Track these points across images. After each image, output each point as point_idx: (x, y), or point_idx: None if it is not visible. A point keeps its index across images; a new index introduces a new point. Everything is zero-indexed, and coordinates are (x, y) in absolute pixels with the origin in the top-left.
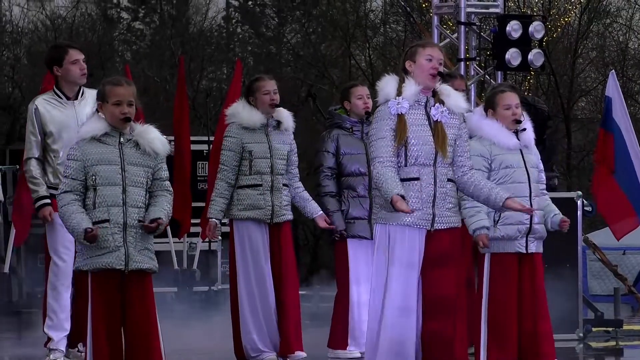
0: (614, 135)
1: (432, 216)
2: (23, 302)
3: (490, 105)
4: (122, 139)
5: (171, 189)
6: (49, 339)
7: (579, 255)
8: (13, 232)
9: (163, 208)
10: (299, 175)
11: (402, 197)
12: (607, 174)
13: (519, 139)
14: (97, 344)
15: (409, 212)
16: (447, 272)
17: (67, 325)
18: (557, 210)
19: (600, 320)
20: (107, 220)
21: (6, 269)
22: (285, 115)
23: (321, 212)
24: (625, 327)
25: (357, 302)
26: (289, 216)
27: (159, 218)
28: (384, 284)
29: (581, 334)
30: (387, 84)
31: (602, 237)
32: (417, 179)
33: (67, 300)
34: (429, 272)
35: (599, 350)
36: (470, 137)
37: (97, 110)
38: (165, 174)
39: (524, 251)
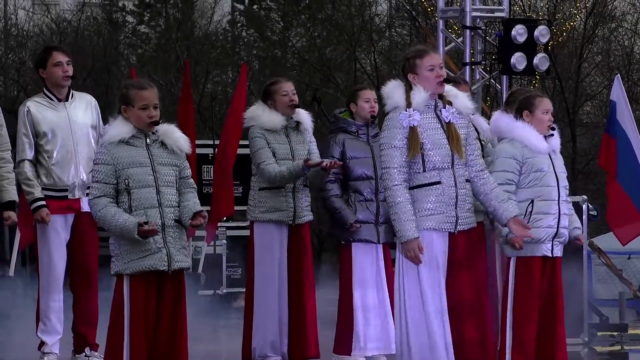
0: (617, 140)
1: (455, 218)
2: (28, 306)
3: (527, 107)
4: (148, 140)
5: (195, 185)
6: (43, 343)
7: (584, 260)
8: (18, 235)
9: (196, 202)
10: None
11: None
12: (611, 179)
13: (547, 143)
14: (136, 346)
15: (418, 263)
16: (472, 274)
17: (60, 329)
18: (578, 224)
19: (605, 324)
20: (146, 223)
21: (11, 273)
22: (304, 116)
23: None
24: (630, 331)
25: (360, 306)
26: (310, 217)
27: (202, 211)
28: (416, 289)
29: (586, 338)
30: (394, 91)
31: (607, 241)
32: (438, 182)
33: (60, 303)
34: (456, 275)
35: (604, 354)
36: (500, 140)
37: (119, 113)
38: (189, 171)
39: (550, 255)
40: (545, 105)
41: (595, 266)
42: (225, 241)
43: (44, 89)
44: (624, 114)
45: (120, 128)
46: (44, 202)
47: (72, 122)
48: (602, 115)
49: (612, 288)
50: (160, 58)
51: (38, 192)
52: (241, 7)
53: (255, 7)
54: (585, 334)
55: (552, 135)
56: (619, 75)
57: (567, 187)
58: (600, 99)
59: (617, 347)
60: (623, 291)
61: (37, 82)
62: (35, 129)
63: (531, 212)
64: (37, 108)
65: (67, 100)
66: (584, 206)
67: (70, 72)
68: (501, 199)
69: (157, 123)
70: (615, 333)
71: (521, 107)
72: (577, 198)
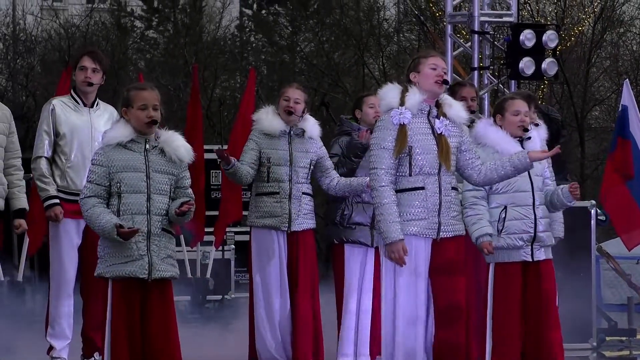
0: (632, 144)
1: (437, 225)
2: (36, 311)
3: (499, 111)
4: (147, 146)
5: (193, 196)
6: (52, 347)
7: (592, 264)
8: (26, 241)
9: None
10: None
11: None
12: (619, 183)
13: (523, 147)
14: (117, 351)
15: (402, 264)
16: (455, 280)
17: (69, 334)
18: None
19: (614, 329)
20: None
21: (20, 278)
22: (310, 124)
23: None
24: (638, 336)
25: (355, 311)
26: (310, 225)
27: (189, 200)
28: (393, 294)
29: (595, 343)
30: (389, 92)
31: (616, 246)
32: (422, 188)
33: (70, 308)
34: (438, 281)
35: (613, 359)
36: (477, 145)
37: (121, 116)
38: (188, 182)
39: (530, 259)
40: (514, 106)
41: (604, 271)
42: (233, 246)
43: (72, 91)
44: (634, 120)
45: (119, 131)
46: (57, 201)
47: (94, 129)
48: (610, 120)
49: (621, 293)
50: (168, 63)
51: (52, 190)
52: (249, 12)
53: (263, 12)
54: (594, 339)
55: (529, 138)
56: (627, 80)
57: (550, 186)
58: (609, 104)
59: (626, 352)
60: (632, 296)
61: (45, 87)
62: (56, 128)
63: (504, 218)
64: (62, 108)
65: (92, 107)
66: (592, 211)
67: (93, 80)
68: (508, 157)
69: (155, 123)
70: (623, 338)
71: (495, 112)
72: (586, 203)
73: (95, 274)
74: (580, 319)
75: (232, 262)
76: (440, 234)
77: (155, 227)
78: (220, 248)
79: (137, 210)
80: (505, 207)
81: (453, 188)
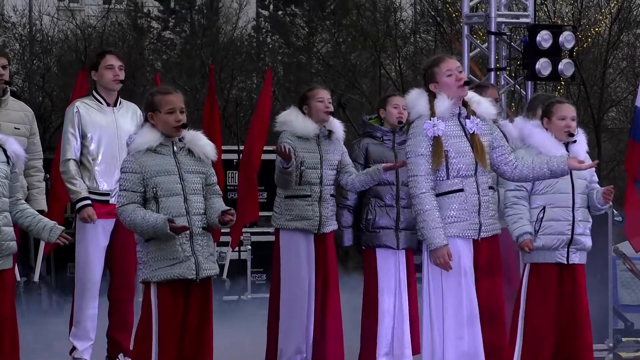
0: None
1: (478, 225)
2: (53, 312)
3: (545, 114)
4: (175, 148)
5: (221, 192)
6: (74, 348)
7: (609, 265)
8: (42, 241)
9: (222, 204)
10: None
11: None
12: (631, 184)
13: (568, 151)
14: (165, 354)
15: (448, 269)
16: (493, 280)
17: (93, 335)
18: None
19: (630, 330)
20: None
21: (36, 278)
22: (337, 125)
23: (382, 165)
24: None
25: (386, 310)
26: (334, 226)
27: (229, 209)
28: (441, 297)
29: (611, 344)
30: (418, 99)
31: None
32: (461, 190)
33: (94, 310)
34: (479, 282)
35: None
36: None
37: (146, 121)
38: (215, 178)
39: (565, 262)
40: (561, 111)
41: (620, 272)
42: (249, 247)
43: (94, 92)
44: None
45: (147, 136)
46: (89, 202)
47: (119, 128)
48: (627, 121)
49: (637, 294)
50: (185, 64)
51: (85, 192)
52: (266, 13)
53: (280, 13)
54: (610, 339)
55: (575, 142)
56: None
57: (588, 193)
58: (625, 105)
59: None
60: None
61: (62, 87)
62: (82, 130)
63: (542, 218)
64: (86, 110)
65: (115, 105)
66: (609, 212)
67: (121, 77)
68: (547, 158)
69: (185, 126)
70: None
71: (542, 114)
72: None
73: (140, 280)
74: (596, 320)
75: (249, 263)
76: (481, 234)
77: (196, 227)
78: (237, 249)
79: (177, 212)
80: (544, 208)
81: (490, 187)
